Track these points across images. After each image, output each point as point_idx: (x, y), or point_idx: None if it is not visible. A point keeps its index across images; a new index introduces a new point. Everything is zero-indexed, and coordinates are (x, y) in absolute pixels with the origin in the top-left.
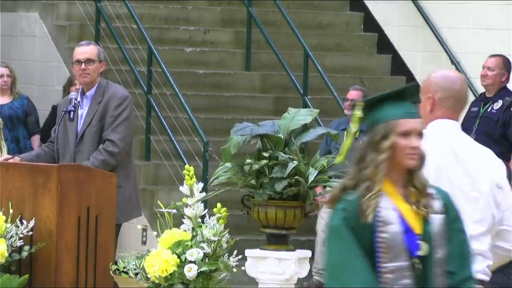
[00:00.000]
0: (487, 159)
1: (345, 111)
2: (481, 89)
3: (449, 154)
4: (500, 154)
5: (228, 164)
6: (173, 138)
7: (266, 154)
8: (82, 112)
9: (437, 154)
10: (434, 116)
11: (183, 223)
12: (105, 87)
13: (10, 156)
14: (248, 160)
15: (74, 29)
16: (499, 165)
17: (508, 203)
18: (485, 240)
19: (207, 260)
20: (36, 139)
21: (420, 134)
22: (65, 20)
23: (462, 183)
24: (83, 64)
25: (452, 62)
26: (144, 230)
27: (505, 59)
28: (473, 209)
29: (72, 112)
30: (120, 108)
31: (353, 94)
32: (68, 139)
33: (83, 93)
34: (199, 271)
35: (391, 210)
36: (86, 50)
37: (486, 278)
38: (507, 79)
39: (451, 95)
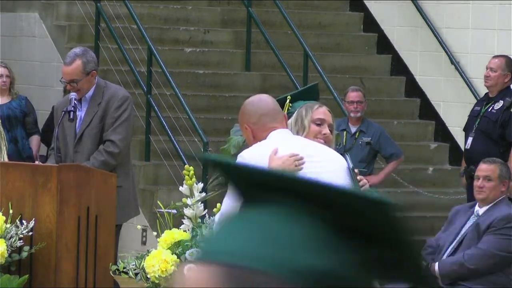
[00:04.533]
0: (330, 152)
1: (351, 114)
2: (481, 89)
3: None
4: (498, 154)
5: None
6: (173, 138)
7: None
8: (81, 113)
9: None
10: (258, 139)
11: (183, 223)
12: (104, 87)
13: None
14: None
15: (74, 29)
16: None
17: None
18: None
19: None
20: (34, 139)
21: None
22: (65, 20)
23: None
24: (68, 84)
25: (452, 62)
26: (144, 230)
27: (508, 60)
28: None
29: (72, 112)
30: (121, 109)
31: (355, 95)
32: (67, 140)
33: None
34: None
35: None
36: (67, 71)
37: None
38: (511, 80)
39: (263, 113)
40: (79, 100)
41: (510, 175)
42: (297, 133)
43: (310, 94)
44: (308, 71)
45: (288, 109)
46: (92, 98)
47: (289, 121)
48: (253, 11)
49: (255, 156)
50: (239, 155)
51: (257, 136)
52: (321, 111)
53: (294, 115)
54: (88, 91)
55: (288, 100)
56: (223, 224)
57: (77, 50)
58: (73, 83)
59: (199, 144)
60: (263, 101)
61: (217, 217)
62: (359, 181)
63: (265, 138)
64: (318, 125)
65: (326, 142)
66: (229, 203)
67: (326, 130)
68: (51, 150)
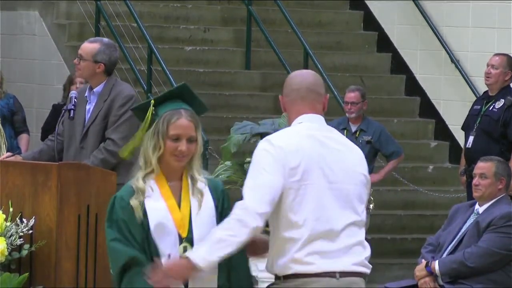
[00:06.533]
0: (349, 149)
1: (346, 114)
2: (481, 88)
3: (318, 146)
4: (500, 153)
5: (228, 163)
6: None
7: None
8: (90, 107)
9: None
10: (289, 114)
11: None
12: (113, 85)
13: (10, 154)
14: (248, 159)
15: (74, 27)
16: (359, 154)
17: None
18: (363, 230)
19: None
20: (23, 138)
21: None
22: (65, 19)
23: (332, 173)
24: (77, 58)
25: (452, 61)
26: None
27: (509, 58)
28: (346, 199)
29: (72, 111)
30: (124, 108)
31: (351, 96)
32: (74, 134)
33: (91, 88)
34: None
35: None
36: (83, 46)
37: (366, 270)
38: (511, 79)
39: (293, 88)
40: (90, 93)
41: (509, 173)
42: (154, 149)
43: (182, 96)
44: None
45: (151, 116)
46: (100, 94)
47: (148, 133)
48: (253, 10)
49: (281, 142)
50: (265, 139)
51: (286, 109)
52: (178, 125)
53: (153, 126)
54: (91, 77)
55: (151, 105)
56: None
57: (106, 39)
58: (79, 57)
59: None
60: (301, 76)
61: (248, 188)
62: None
63: (292, 115)
64: (176, 140)
65: (185, 157)
66: (271, 178)
67: (182, 146)
68: (51, 135)
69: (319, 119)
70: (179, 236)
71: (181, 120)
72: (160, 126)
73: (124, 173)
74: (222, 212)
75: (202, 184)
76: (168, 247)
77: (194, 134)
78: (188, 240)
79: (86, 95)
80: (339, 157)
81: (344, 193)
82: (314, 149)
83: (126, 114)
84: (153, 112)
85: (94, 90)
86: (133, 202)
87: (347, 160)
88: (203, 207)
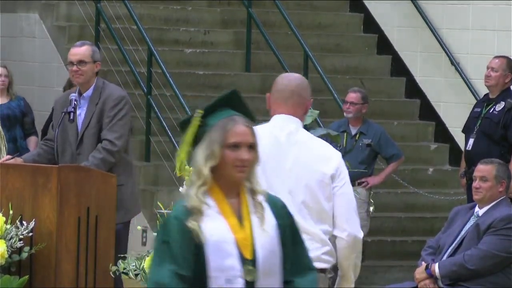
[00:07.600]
0: (313, 148)
1: (344, 113)
2: (481, 90)
3: (275, 144)
4: (500, 156)
5: None
6: (173, 139)
7: None
8: (80, 112)
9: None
10: (272, 110)
11: None
12: (102, 87)
13: (10, 157)
14: None
15: (74, 30)
16: (330, 153)
17: (338, 186)
18: (318, 226)
19: None
20: (32, 140)
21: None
22: (65, 21)
23: (285, 172)
24: (75, 65)
25: (452, 63)
26: (144, 231)
27: (509, 61)
28: (297, 197)
29: (72, 113)
30: (117, 108)
31: (352, 96)
32: (69, 140)
33: (80, 94)
34: None
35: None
36: (78, 52)
37: (321, 265)
38: (511, 81)
39: (277, 89)
40: (80, 98)
41: (509, 175)
42: (207, 159)
43: (231, 104)
44: (308, 72)
45: (198, 127)
46: (90, 98)
47: (200, 145)
48: (253, 12)
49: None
50: None
51: (271, 106)
52: (237, 131)
53: (205, 137)
54: (89, 80)
55: (200, 115)
56: None
57: (86, 41)
58: (82, 64)
59: None
60: (288, 78)
61: None
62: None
63: (272, 114)
64: (235, 148)
65: (247, 167)
66: None
67: (244, 155)
68: (43, 140)
69: (290, 119)
70: (242, 257)
71: (238, 126)
72: (216, 135)
73: (125, 173)
74: (285, 229)
75: (262, 198)
76: (225, 270)
77: (254, 141)
78: (252, 262)
79: (75, 103)
80: (294, 154)
81: (296, 189)
82: (269, 145)
83: (119, 114)
84: (201, 123)
85: (84, 94)
86: (192, 223)
87: (304, 158)
88: (266, 225)
